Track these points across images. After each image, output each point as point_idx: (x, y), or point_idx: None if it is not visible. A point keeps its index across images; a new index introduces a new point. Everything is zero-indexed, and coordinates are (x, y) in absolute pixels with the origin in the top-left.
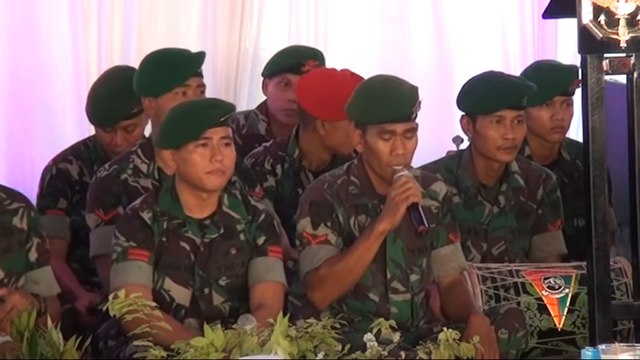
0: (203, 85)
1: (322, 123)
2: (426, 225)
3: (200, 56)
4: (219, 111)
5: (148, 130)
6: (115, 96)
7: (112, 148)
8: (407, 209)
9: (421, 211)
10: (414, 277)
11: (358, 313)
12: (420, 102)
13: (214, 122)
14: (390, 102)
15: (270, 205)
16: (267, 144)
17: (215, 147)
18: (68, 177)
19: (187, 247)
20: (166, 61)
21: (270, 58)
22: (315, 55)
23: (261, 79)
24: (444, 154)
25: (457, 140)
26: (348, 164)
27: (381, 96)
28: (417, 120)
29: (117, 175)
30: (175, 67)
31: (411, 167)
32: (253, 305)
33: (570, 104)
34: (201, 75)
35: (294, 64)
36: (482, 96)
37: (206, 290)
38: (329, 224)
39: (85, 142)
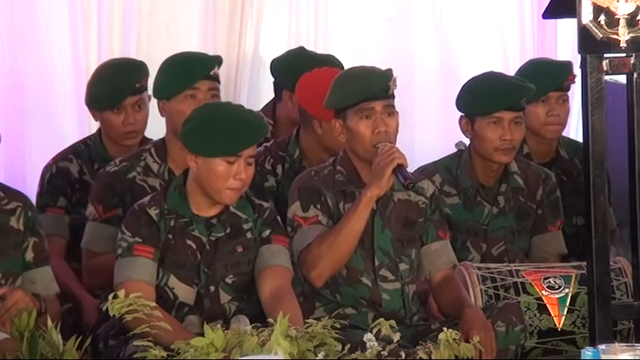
0: (215, 89)
1: (320, 122)
2: (412, 178)
3: (211, 60)
4: (257, 134)
5: (151, 132)
6: (118, 73)
7: (126, 130)
8: (393, 171)
9: (407, 171)
10: (403, 267)
11: (352, 300)
12: (395, 78)
13: (251, 144)
14: (365, 80)
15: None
16: (268, 144)
17: (242, 165)
18: (68, 175)
19: (193, 246)
20: (177, 65)
21: (281, 63)
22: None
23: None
24: (443, 153)
25: (460, 145)
26: (334, 158)
27: (356, 78)
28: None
29: (125, 172)
30: (184, 70)
31: None
32: (264, 292)
33: (566, 100)
34: (214, 78)
35: None
36: (481, 97)
37: (212, 288)
38: (318, 206)
39: (85, 141)
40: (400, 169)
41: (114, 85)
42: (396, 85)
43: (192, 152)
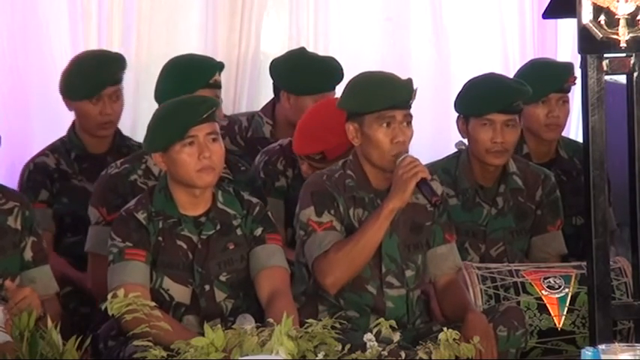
0: (215, 97)
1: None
2: (439, 195)
3: (211, 68)
4: (202, 107)
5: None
6: (98, 64)
7: (102, 120)
8: (416, 185)
9: (430, 185)
10: (409, 273)
11: (355, 307)
12: (416, 90)
13: (198, 120)
14: (390, 89)
15: (281, 204)
16: (284, 142)
17: (202, 144)
18: (45, 168)
19: (184, 246)
20: (176, 72)
21: (280, 64)
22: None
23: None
24: (441, 154)
25: (460, 145)
26: (343, 161)
27: (380, 85)
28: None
29: (126, 174)
30: (183, 79)
31: None
32: (263, 294)
33: (566, 101)
34: (213, 86)
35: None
36: (474, 98)
37: (207, 287)
38: (332, 212)
39: (61, 139)
40: (424, 183)
41: (93, 75)
42: (415, 97)
43: (154, 152)
